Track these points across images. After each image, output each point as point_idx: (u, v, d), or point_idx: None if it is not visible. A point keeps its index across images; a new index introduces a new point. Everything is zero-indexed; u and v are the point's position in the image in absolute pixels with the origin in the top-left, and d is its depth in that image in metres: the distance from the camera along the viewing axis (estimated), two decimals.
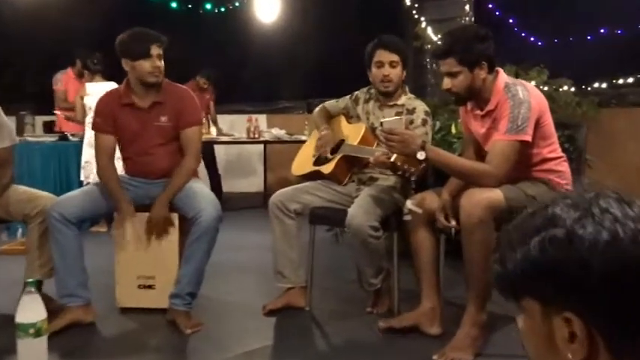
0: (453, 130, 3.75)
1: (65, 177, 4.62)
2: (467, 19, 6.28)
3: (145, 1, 7.05)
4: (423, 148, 2.04)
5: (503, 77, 2.15)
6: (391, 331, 2.28)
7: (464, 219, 1.98)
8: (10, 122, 2.66)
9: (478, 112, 2.22)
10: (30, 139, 4.79)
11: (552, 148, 2.16)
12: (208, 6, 6.83)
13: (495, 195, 1.99)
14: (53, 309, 2.41)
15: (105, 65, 4.52)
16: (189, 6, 6.79)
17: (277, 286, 2.62)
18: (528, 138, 2.01)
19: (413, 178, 2.08)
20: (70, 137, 4.79)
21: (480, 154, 2.35)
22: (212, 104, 6.23)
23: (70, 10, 7.74)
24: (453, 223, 2.17)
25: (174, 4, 6.62)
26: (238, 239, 4.09)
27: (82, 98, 4.38)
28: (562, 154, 2.22)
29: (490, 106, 2.14)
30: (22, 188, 2.64)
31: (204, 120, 5.63)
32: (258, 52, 8.18)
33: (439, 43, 2.14)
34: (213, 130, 5.70)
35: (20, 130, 5.25)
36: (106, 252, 2.60)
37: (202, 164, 6.09)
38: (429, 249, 2.29)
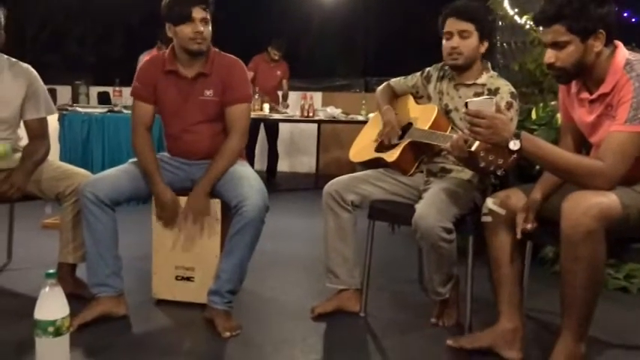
0: (534, 116, 3.32)
1: (117, 150, 4.48)
2: None
3: None
4: (517, 136, 1.65)
5: (623, 52, 1.72)
6: (461, 351, 1.93)
7: (567, 229, 1.58)
8: (47, 93, 2.46)
9: (585, 95, 1.80)
10: (80, 109, 4.67)
11: None
12: None
13: (609, 200, 1.59)
14: (87, 296, 2.23)
15: None
16: None
17: (328, 286, 2.32)
18: None
19: (499, 173, 1.70)
20: (124, 110, 4.63)
21: (581, 147, 1.94)
22: (285, 82, 5.96)
23: None
24: (529, 226, 1.79)
25: None
26: (286, 225, 3.83)
27: None
28: None
29: (604, 89, 1.72)
30: (57, 163, 2.45)
31: (257, 95, 5.39)
32: (315, 25, 7.82)
33: (544, 6, 1.71)
34: (266, 106, 5.42)
35: (74, 100, 5.19)
36: (147, 228, 2.35)
37: (265, 140, 5.93)
38: (513, 259, 1.91)
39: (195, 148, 2.29)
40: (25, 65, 2.42)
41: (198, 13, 2.13)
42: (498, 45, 5.97)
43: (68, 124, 4.41)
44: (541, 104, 3.34)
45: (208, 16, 2.18)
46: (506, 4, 5.37)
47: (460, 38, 2.13)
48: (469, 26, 2.12)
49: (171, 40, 2.26)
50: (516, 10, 5.34)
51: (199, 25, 2.14)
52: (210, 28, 2.20)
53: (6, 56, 2.39)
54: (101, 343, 1.99)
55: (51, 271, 1.67)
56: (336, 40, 7.73)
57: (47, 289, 1.66)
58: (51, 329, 1.63)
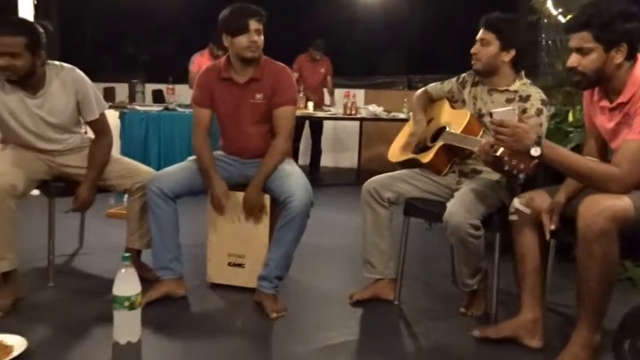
0: (570, 118, 3.39)
1: (170, 146, 4.77)
2: None
3: None
4: (538, 143, 1.81)
5: None
6: (486, 339, 2.11)
7: (582, 229, 1.74)
8: (96, 90, 2.57)
9: (606, 103, 1.93)
10: (138, 107, 5.02)
11: None
12: None
13: (623, 203, 1.73)
14: (150, 278, 2.51)
15: None
16: None
17: (366, 275, 2.53)
18: None
19: (521, 177, 1.86)
20: (178, 108, 4.95)
21: (604, 151, 2.08)
22: (329, 78, 6.22)
23: None
24: (553, 226, 1.93)
25: None
26: (328, 218, 4.05)
27: None
28: None
29: (622, 98, 1.85)
30: (122, 160, 2.68)
31: (302, 94, 5.64)
32: (359, 24, 7.98)
33: (577, 13, 1.86)
34: (310, 104, 5.66)
35: (131, 98, 5.55)
36: (202, 219, 2.62)
37: (309, 135, 6.19)
38: (536, 255, 2.06)
39: (247, 147, 2.54)
40: (70, 68, 2.48)
41: (253, 25, 2.39)
42: (543, 43, 5.98)
43: (128, 122, 4.74)
44: (578, 107, 3.42)
45: (261, 28, 2.42)
46: (549, 4, 5.39)
47: (479, 45, 2.31)
48: (490, 36, 2.28)
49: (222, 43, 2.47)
50: (560, 9, 5.35)
51: (254, 36, 2.39)
52: (262, 38, 2.44)
53: (52, 63, 2.45)
54: (164, 319, 2.27)
55: (126, 254, 1.95)
56: (379, 38, 7.86)
57: (123, 270, 1.93)
58: (127, 304, 1.91)
